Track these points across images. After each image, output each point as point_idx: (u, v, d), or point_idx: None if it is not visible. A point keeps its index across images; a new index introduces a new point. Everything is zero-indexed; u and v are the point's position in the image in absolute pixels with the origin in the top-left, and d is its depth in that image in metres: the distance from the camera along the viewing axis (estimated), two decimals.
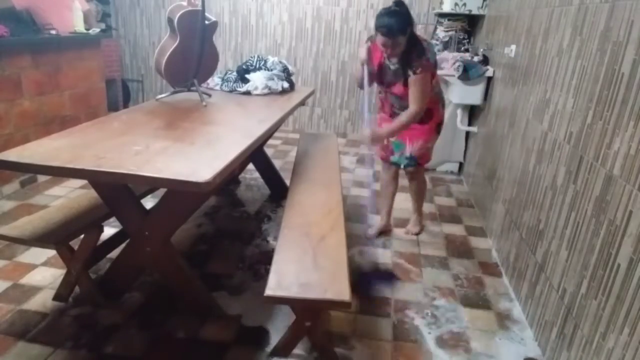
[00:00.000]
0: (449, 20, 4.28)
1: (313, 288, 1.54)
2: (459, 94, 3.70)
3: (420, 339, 1.99)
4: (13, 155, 1.55)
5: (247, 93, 2.90)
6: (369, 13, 5.11)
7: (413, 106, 2.37)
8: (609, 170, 1.56)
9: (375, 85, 2.61)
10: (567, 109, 1.97)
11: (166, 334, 1.91)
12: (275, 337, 1.89)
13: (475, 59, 3.73)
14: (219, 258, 2.54)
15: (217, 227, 2.91)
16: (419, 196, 2.91)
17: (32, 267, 2.33)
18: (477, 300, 2.30)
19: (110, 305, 2.04)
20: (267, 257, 2.50)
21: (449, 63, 3.78)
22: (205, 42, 2.53)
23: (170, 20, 2.46)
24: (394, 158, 2.71)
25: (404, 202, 3.16)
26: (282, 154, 4.54)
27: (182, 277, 2.00)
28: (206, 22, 2.50)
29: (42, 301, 2.06)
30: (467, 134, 4.02)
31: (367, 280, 2.39)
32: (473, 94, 3.64)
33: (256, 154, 3.26)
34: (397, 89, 2.45)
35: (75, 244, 1.98)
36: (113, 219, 2.08)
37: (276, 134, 4.39)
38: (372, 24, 5.05)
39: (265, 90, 2.92)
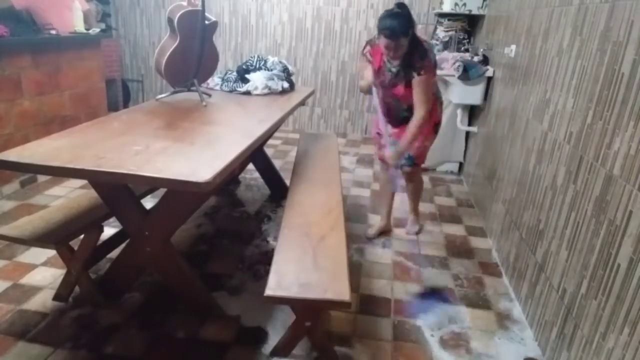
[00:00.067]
0: (449, 20, 4.28)
1: (313, 288, 1.54)
2: (459, 94, 3.70)
3: (420, 339, 1.99)
4: (13, 155, 1.55)
5: (247, 93, 2.90)
6: (369, 13, 5.11)
7: (420, 109, 2.37)
8: (609, 170, 1.56)
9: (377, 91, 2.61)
10: (567, 109, 1.97)
11: (166, 334, 1.91)
12: (274, 337, 1.89)
13: (475, 59, 3.73)
14: (218, 258, 2.54)
15: (217, 227, 2.91)
16: (416, 196, 2.92)
17: (32, 267, 2.33)
18: (477, 300, 2.30)
19: (110, 305, 2.04)
20: (267, 257, 2.50)
21: (449, 63, 3.78)
22: (205, 42, 2.53)
23: (170, 20, 2.46)
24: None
25: (403, 203, 3.15)
26: (282, 154, 4.54)
27: (182, 277, 2.00)
28: (206, 22, 2.50)
29: (42, 301, 2.06)
30: (467, 134, 4.02)
31: (423, 302, 2.28)
32: (473, 94, 3.64)
33: (256, 154, 3.26)
34: (398, 90, 2.44)
35: (75, 244, 1.98)
36: (113, 219, 2.08)
37: (276, 134, 4.39)
38: (372, 24, 5.12)
39: (265, 90, 2.92)
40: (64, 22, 3.50)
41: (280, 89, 2.99)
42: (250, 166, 3.51)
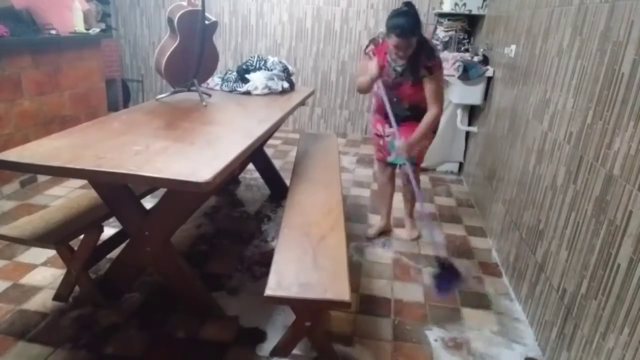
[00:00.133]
0: (449, 20, 4.28)
1: (313, 288, 1.54)
2: (459, 94, 3.70)
3: (420, 339, 1.99)
4: (13, 155, 1.55)
5: (247, 93, 2.90)
6: (369, 13, 5.12)
7: (434, 107, 2.39)
8: (609, 170, 1.56)
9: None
10: (567, 109, 1.97)
11: (166, 334, 1.91)
12: (273, 338, 1.89)
13: (475, 59, 3.73)
14: (218, 258, 2.54)
15: (217, 227, 2.91)
16: (414, 198, 2.87)
17: (32, 267, 2.33)
18: (477, 300, 2.30)
19: (110, 305, 2.04)
20: (266, 258, 2.50)
21: (449, 63, 3.77)
22: (205, 42, 2.53)
23: (170, 20, 2.46)
24: (391, 158, 2.69)
25: (403, 203, 3.15)
26: (282, 154, 4.54)
27: (182, 277, 2.00)
28: (206, 22, 2.50)
29: (42, 301, 2.06)
30: (467, 134, 4.02)
31: (442, 283, 2.30)
32: (473, 94, 3.64)
33: (256, 154, 3.26)
34: (403, 90, 2.44)
35: (75, 244, 1.98)
36: (113, 219, 2.08)
37: (276, 134, 4.39)
38: (372, 24, 5.12)
39: (265, 90, 2.92)
40: (64, 22, 3.50)
41: (280, 89, 2.99)
42: (250, 166, 3.51)
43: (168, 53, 2.45)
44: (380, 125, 2.68)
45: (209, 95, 2.71)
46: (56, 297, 2.06)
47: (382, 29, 2.44)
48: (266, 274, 1.65)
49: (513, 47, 2.93)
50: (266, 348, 1.85)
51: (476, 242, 2.93)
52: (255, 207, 3.24)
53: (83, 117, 3.68)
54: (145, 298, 2.13)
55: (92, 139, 1.76)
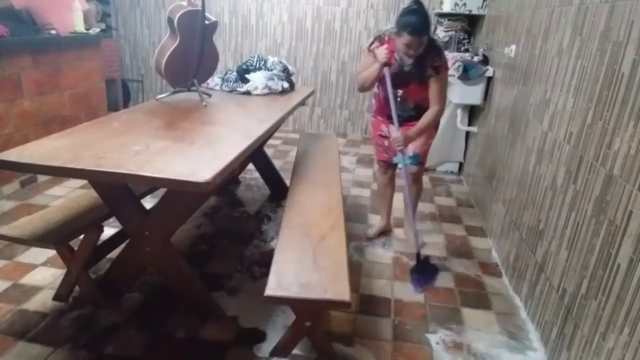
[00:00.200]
0: (449, 20, 4.29)
1: (313, 288, 1.54)
2: (459, 94, 3.70)
3: (420, 339, 1.99)
4: (13, 155, 1.55)
5: (247, 93, 2.90)
6: (369, 13, 5.12)
7: (436, 105, 2.38)
8: (609, 170, 1.56)
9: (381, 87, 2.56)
10: (567, 109, 1.97)
11: (166, 334, 1.91)
12: (272, 338, 1.89)
13: (475, 59, 3.73)
14: (218, 258, 2.54)
15: (217, 227, 2.91)
16: (417, 201, 2.81)
17: (32, 267, 2.33)
18: (477, 301, 2.30)
19: (110, 306, 2.04)
20: (266, 258, 2.50)
21: (449, 63, 3.77)
22: (205, 42, 2.53)
23: (170, 20, 2.46)
24: (397, 158, 2.61)
25: (403, 203, 3.15)
26: (282, 154, 4.54)
27: (182, 277, 2.00)
28: (206, 22, 2.50)
29: (42, 301, 2.06)
30: (467, 134, 4.02)
31: (420, 279, 2.35)
32: (473, 94, 3.64)
33: (256, 154, 3.26)
34: (410, 89, 2.41)
35: (75, 244, 1.98)
36: (113, 219, 2.08)
37: (276, 134, 4.39)
38: (372, 24, 5.11)
39: (265, 90, 2.92)
40: (64, 22, 3.50)
41: (280, 89, 2.99)
42: (250, 166, 3.51)
43: (168, 53, 2.45)
44: (384, 125, 2.64)
45: (209, 95, 2.71)
46: (56, 297, 2.06)
47: (384, 26, 2.43)
48: (266, 274, 1.65)
49: (513, 47, 2.93)
50: (266, 348, 1.85)
51: (476, 242, 2.93)
52: (255, 207, 3.24)
53: (83, 117, 3.68)
54: (145, 298, 2.13)
55: (92, 139, 1.76)
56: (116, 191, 1.84)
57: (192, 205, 2.17)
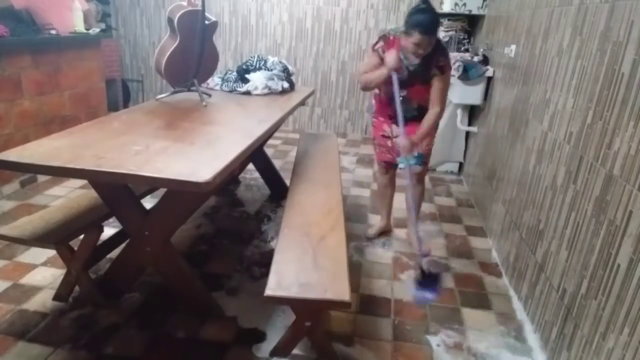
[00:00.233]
0: (449, 20, 4.29)
1: (313, 288, 1.54)
2: (459, 94, 3.70)
3: (420, 339, 1.99)
4: (13, 155, 1.55)
5: (247, 93, 2.90)
6: (369, 13, 5.11)
7: (437, 106, 2.37)
8: (609, 170, 1.56)
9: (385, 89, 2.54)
10: (567, 109, 1.97)
11: (166, 334, 1.91)
12: (271, 338, 1.89)
13: (475, 59, 3.73)
14: (218, 258, 2.54)
15: (216, 227, 2.91)
16: (421, 203, 2.76)
17: (32, 267, 2.33)
18: (477, 301, 2.30)
19: (110, 306, 2.04)
20: (266, 258, 2.50)
21: None
22: (205, 42, 2.53)
23: (170, 20, 2.46)
24: (401, 159, 2.60)
25: (403, 203, 3.15)
26: (282, 154, 4.54)
27: (182, 277, 2.00)
28: (206, 22, 2.50)
29: (42, 301, 2.06)
30: (467, 134, 4.02)
31: (423, 289, 2.25)
32: (473, 94, 3.64)
33: (256, 154, 3.26)
34: (414, 89, 2.39)
35: (75, 244, 1.98)
36: (113, 219, 2.08)
37: (276, 134, 4.39)
38: (372, 24, 5.11)
39: (265, 90, 2.92)
40: (64, 22, 3.50)
41: (280, 89, 2.99)
42: (250, 166, 3.51)
43: (168, 53, 2.45)
44: (387, 126, 2.62)
45: (209, 95, 2.71)
46: (56, 297, 2.06)
47: (389, 26, 2.41)
48: (266, 274, 1.65)
49: (513, 47, 2.93)
50: (266, 348, 1.85)
51: (476, 242, 2.93)
52: (255, 207, 3.24)
53: (83, 117, 3.68)
54: (145, 298, 2.13)
55: (92, 139, 1.76)
56: (116, 191, 1.84)
57: (192, 205, 2.17)
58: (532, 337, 2.04)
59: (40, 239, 1.85)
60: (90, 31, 3.74)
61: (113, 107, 4.70)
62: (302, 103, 3.00)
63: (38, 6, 3.36)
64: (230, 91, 2.96)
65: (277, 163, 3.73)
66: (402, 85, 2.38)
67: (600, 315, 1.53)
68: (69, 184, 3.38)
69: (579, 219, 1.75)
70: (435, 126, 2.54)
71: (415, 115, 2.48)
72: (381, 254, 2.70)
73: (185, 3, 2.47)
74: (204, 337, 1.91)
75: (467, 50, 4.22)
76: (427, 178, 3.96)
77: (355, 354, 1.87)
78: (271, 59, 3.10)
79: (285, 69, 3.10)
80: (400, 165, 2.64)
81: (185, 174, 1.45)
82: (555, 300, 1.88)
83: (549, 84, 2.21)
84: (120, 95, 5.28)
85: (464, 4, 4.05)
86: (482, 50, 3.81)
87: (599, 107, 1.68)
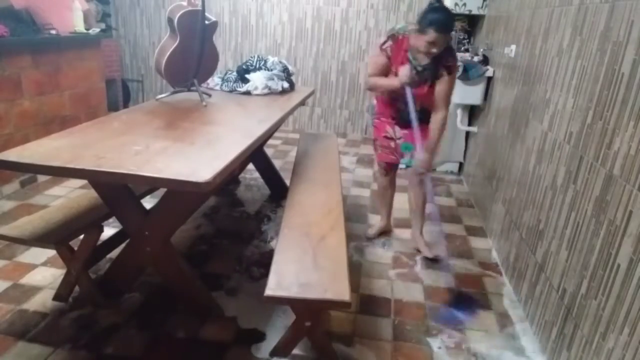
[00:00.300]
0: None
1: (313, 288, 1.54)
2: (459, 94, 3.69)
3: (420, 339, 1.99)
4: (13, 155, 1.55)
5: (247, 93, 2.90)
6: (369, 13, 5.12)
7: (443, 109, 2.36)
8: (609, 170, 1.56)
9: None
10: (567, 109, 1.97)
11: (166, 334, 1.91)
12: (271, 338, 1.89)
13: (475, 59, 3.73)
14: (218, 258, 2.54)
15: (216, 227, 2.90)
16: (425, 205, 2.71)
17: (32, 267, 2.33)
18: (477, 301, 2.29)
19: (110, 306, 2.04)
20: (266, 258, 2.50)
21: None
22: (205, 42, 2.53)
23: (170, 20, 2.46)
24: (405, 160, 2.59)
25: (403, 203, 3.15)
26: (282, 154, 4.54)
27: (182, 277, 2.00)
28: (206, 22, 2.50)
29: (42, 301, 2.06)
30: (467, 134, 4.02)
31: (454, 310, 2.20)
32: (473, 94, 3.64)
33: (256, 154, 3.26)
34: (421, 90, 2.35)
35: (75, 244, 1.98)
36: (113, 219, 2.08)
37: (276, 134, 4.39)
38: (372, 24, 5.11)
39: (265, 90, 2.92)
40: (64, 22, 3.50)
41: (280, 89, 2.99)
42: (250, 166, 3.51)
43: (168, 53, 2.45)
44: (389, 127, 2.59)
45: (209, 95, 2.71)
46: (56, 297, 2.06)
47: (396, 25, 2.40)
48: (265, 274, 1.65)
49: (513, 47, 2.93)
50: (266, 348, 1.85)
51: (476, 242, 2.93)
52: (255, 207, 3.24)
53: (83, 117, 3.68)
54: (145, 298, 2.13)
55: (92, 139, 1.76)
56: (116, 191, 1.84)
57: (192, 205, 2.17)
58: (532, 337, 2.04)
59: (40, 239, 1.85)
60: (90, 31, 3.74)
61: (113, 107, 4.70)
62: (302, 103, 3.00)
63: (38, 6, 3.36)
64: (230, 91, 2.96)
65: (277, 163, 3.73)
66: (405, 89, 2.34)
67: (600, 315, 1.53)
68: (69, 184, 3.38)
69: (579, 219, 1.75)
70: (443, 130, 2.48)
71: (417, 116, 2.43)
72: (381, 254, 2.70)
73: (185, 3, 2.47)
74: (203, 337, 1.91)
75: (467, 50, 4.22)
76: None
77: (355, 354, 1.87)
78: (271, 59, 3.10)
79: (285, 69, 3.10)
80: (402, 166, 2.63)
81: (185, 174, 1.45)
82: (555, 300, 1.88)
83: (549, 84, 2.21)
84: (120, 95, 5.28)
85: (464, 4, 4.05)
86: (482, 50, 3.81)
87: (599, 107, 1.68)
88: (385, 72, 2.41)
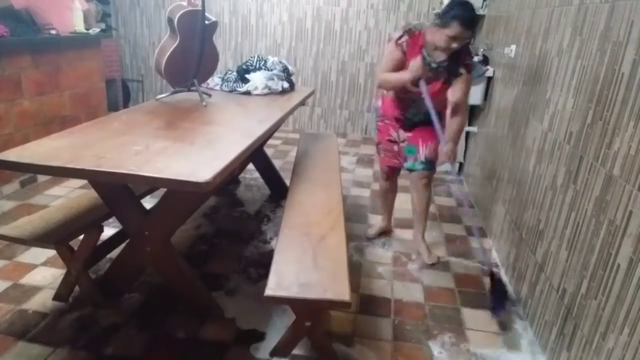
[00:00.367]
0: None
1: (313, 288, 1.54)
2: None
3: (420, 339, 1.99)
4: (13, 155, 1.55)
5: (247, 93, 2.90)
6: (369, 13, 5.12)
7: (465, 111, 2.39)
8: (609, 170, 1.56)
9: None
10: (567, 109, 1.97)
11: (166, 334, 1.91)
12: (271, 338, 1.89)
13: (476, 59, 3.72)
14: (218, 258, 2.54)
15: (216, 227, 2.90)
16: (428, 209, 2.68)
17: (32, 267, 2.33)
18: (477, 300, 2.29)
19: (110, 306, 2.04)
20: (266, 258, 2.50)
21: None
22: (205, 42, 2.53)
23: (170, 20, 2.46)
24: (409, 164, 2.56)
25: (404, 203, 3.15)
26: (282, 154, 4.54)
27: (182, 277, 2.00)
28: (206, 22, 2.50)
29: (42, 301, 2.06)
30: (467, 134, 4.02)
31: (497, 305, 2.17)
32: (473, 94, 3.63)
33: (256, 154, 3.26)
34: (433, 87, 2.30)
35: (75, 244, 1.98)
36: (113, 219, 2.08)
37: (276, 134, 4.39)
38: (372, 24, 5.11)
39: (265, 90, 2.92)
40: (64, 22, 3.50)
41: (280, 89, 2.99)
42: (250, 166, 3.51)
43: (168, 53, 2.45)
44: (393, 130, 2.56)
45: (209, 95, 2.71)
46: (56, 297, 2.06)
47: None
48: (265, 274, 1.65)
49: (513, 47, 2.93)
50: (266, 348, 1.85)
51: (476, 242, 2.93)
52: (255, 207, 3.24)
53: (83, 117, 3.68)
54: (145, 298, 2.13)
55: (92, 139, 1.76)
56: (116, 191, 1.84)
57: (192, 205, 2.17)
58: (531, 337, 2.04)
59: (40, 239, 1.85)
60: (90, 31, 3.74)
61: (113, 107, 4.70)
62: (302, 103, 3.00)
63: (38, 6, 3.36)
64: (230, 91, 2.96)
65: (277, 163, 3.73)
66: (418, 84, 2.28)
67: (600, 315, 1.53)
68: (69, 184, 3.38)
69: (579, 219, 1.75)
70: (463, 127, 2.48)
71: (422, 119, 2.43)
72: (381, 254, 2.70)
73: (185, 3, 2.47)
74: (203, 337, 1.91)
75: None
76: None
77: (355, 354, 1.87)
78: (271, 59, 3.10)
79: (285, 69, 3.10)
80: (406, 167, 2.60)
81: (185, 174, 1.45)
82: (555, 300, 1.88)
83: (549, 84, 2.21)
84: (120, 95, 5.28)
85: None
86: (482, 50, 3.81)
87: (599, 107, 1.68)
88: (400, 67, 2.34)
